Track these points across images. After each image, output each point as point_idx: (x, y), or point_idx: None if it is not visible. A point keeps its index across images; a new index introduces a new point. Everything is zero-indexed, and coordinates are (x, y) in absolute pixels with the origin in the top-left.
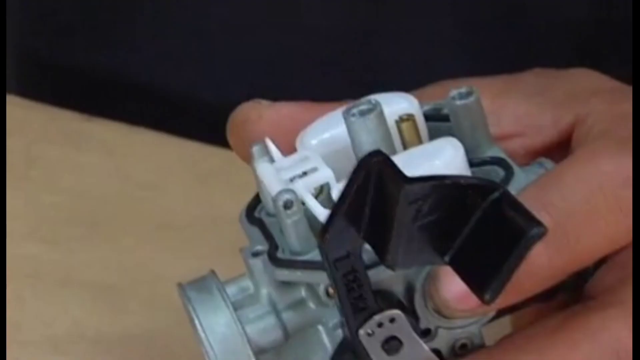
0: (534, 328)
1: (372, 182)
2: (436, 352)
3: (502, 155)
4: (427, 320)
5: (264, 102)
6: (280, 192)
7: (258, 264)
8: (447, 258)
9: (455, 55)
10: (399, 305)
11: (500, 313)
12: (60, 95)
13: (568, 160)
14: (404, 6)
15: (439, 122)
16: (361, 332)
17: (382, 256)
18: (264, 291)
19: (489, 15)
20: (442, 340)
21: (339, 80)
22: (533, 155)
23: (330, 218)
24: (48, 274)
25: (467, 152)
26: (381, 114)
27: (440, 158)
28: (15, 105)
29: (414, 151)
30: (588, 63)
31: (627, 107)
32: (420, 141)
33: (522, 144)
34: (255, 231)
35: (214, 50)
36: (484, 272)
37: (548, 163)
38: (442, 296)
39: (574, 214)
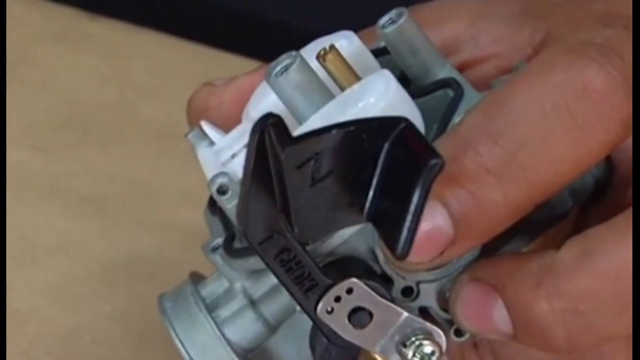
0: (601, 227)
1: (269, 150)
2: (424, 310)
3: (453, 74)
4: (402, 280)
5: (219, 83)
6: (213, 178)
7: (217, 258)
8: (365, 215)
9: None
10: (366, 272)
11: (489, 251)
12: None
13: (516, 77)
14: None
15: (387, 56)
16: (319, 311)
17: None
18: (237, 285)
19: None
20: (428, 295)
21: None
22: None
23: (239, 200)
24: (33, 182)
25: (416, 78)
26: (303, 64)
27: (372, 95)
28: (14, 2)
29: (344, 95)
30: None
31: (599, 6)
32: (352, 72)
33: (497, 64)
34: (216, 222)
35: None
36: (395, 222)
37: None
38: None
39: (526, 142)
